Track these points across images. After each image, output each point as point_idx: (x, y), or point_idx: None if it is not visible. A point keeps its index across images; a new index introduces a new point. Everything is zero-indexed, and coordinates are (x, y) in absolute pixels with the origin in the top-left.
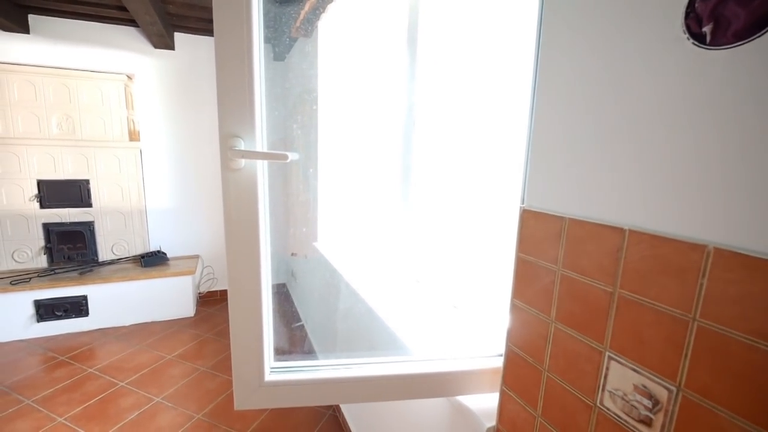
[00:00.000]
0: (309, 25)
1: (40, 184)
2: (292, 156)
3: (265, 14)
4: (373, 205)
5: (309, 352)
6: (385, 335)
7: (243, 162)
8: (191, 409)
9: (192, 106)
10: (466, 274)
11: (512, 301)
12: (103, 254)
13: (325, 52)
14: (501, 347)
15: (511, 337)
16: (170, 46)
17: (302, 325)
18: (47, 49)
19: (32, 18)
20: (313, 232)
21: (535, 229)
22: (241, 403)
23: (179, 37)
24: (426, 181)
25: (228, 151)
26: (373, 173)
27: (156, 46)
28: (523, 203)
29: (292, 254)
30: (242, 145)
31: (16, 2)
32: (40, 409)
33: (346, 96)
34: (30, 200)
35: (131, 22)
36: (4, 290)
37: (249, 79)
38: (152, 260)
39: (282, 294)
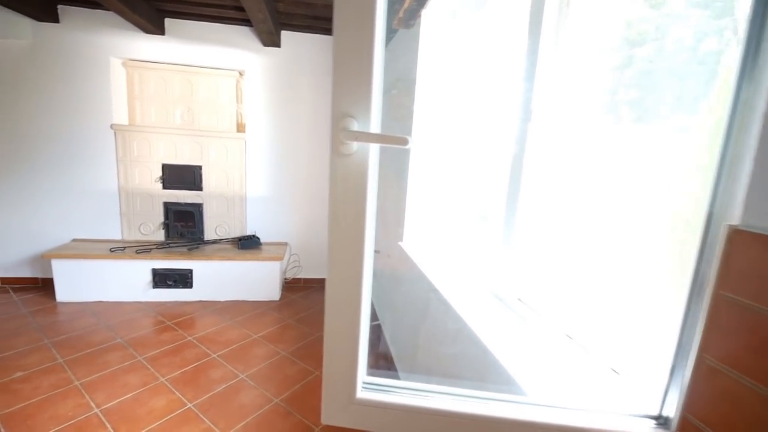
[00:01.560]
0: (411, 16)
1: (164, 167)
2: (411, 141)
3: None
4: (471, 208)
5: (384, 354)
6: (484, 361)
7: (354, 146)
8: (270, 392)
9: (291, 101)
10: (585, 298)
11: (699, 355)
12: (208, 234)
13: (427, 43)
14: (654, 407)
15: (691, 404)
16: (277, 43)
17: (379, 325)
18: (177, 48)
19: (168, 21)
20: (399, 230)
21: (757, 260)
22: (328, 417)
23: (285, 35)
24: (540, 183)
25: (340, 133)
26: (473, 173)
27: (265, 44)
28: (729, 220)
29: (376, 251)
30: (355, 126)
31: (157, 8)
32: (148, 366)
33: (448, 90)
34: (155, 181)
35: (245, 21)
36: (132, 257)
37: (368, 47)
38: (248, 243)
39: None
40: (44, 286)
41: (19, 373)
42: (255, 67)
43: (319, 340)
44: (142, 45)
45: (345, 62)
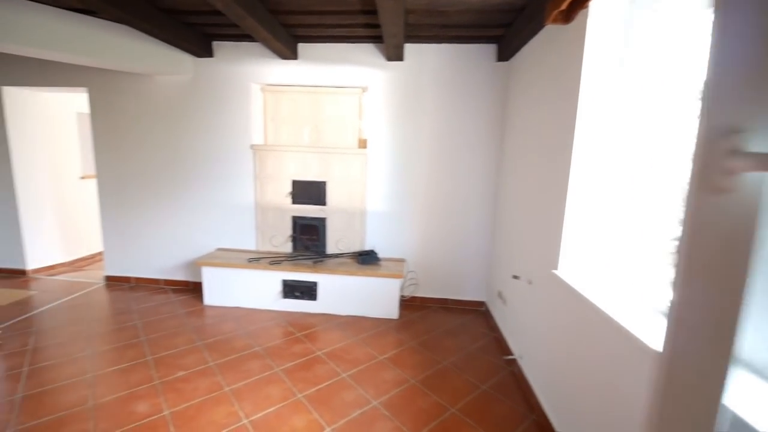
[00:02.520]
0: (573, 9)
1: (293, 183)
2: None
3: None
4: (667, 230)
5: (525, 393)
6: None
7: (745, 178)
8: (407, 426)
9: (413, 115)
10: None
11: None
12: (330, 247)
13: (598, 41)
14: None
15: None
16: (401, 57)
17: (514, 359)
18: (307, 70)
19: (301, 46)
20: (550, 256)
21: None
22: None
23: (409, 48)
24: None
25: (722, 157)
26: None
27: (389, 59)
28: None
29: (515, 276)
30: (755, 147)
31: (293, 34)
32: (285, 379)
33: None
34: (285, 196)
35: (372, 39)
36: (266, 268)
37: None
38: (367, 258)
39: (477, 313)
40: (194, 289)
41: (181, 373)
42: (378, 82)
43: (448, 371)
44: (278, 70)
45: (737, 48)
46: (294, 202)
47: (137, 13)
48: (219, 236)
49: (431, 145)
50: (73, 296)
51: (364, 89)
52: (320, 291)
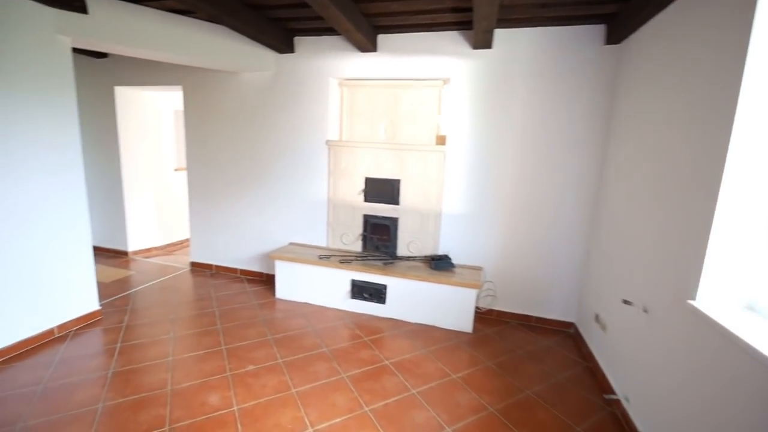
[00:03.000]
0: None
1: (367, 181)
2: None
3: None
4: None
5: None
6: None
7: None
8: None
9: (499, 108)
10: None
11: None
12: (401, 249)
13: None
14: None
15: None
16: (489, 43)
17: (618, 400)
18: (386, 63)
19: (381, 37)
20: (683, 281)
21: None
22: None
23: (499, 33)
24: None
25: None
26: None
27: (476, 47)
28: None
29: (625, 302)
30: None
31: (374, 24)
32: (351, 388)
33: None
34: (358, 194)
35: (456, 25)
36: (335, 266)
37: None
38: (440, 264)
39: (564, 335)
40: (267, 280)
41: (251, 367)
42: (461, 73)
43: (533, 402)
44: (356, 64)
45: None
46: (366, 200)
47: (228, 10)
48: (292, 230)
49: (518, 141)
50: (163, 279)
51: (446, 81)
52: (389, 294)
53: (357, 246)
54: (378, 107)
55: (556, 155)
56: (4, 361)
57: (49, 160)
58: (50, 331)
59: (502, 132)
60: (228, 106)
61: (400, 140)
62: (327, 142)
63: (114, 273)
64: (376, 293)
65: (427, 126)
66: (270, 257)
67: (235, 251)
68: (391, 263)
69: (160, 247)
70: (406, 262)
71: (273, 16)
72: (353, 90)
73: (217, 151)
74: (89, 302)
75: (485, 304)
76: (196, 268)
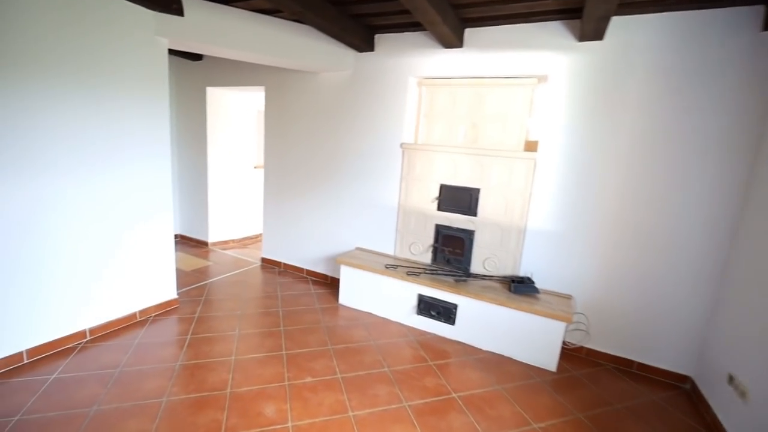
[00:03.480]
0: None
1: (442, 188)
2: None
3: None
4: None
5: None
6: None
7: None
8: None
9: (606, 110)
10: None
11: None
12: (475, 266)
13: None
14: None
15: None
16: (600, 34)
17: None
18: (472, 59)
19: (468, 32)
20: None
21: None
22: None
23: (615, 21)
24: None
25: None
26: None
27: (583, 38)
28: None
29: None
30: None
31: (461, 17)
32: (414, 421)
33: None
34: (431, 201)
35: (560, 13)
36: (402, 278)
37: None
38: (522, 288)
39: (677, 391)
40: (331, 283)
41: (309, 379)
42: (560, 69)
43: None
44: (438, 61)
45: None
46: (440, 209)
47: (313, 6)
48: (360, 235)
49: (628, 150)
50: (235, 272)
51: (541, 79)
52: (460, 315)
53: (426, 258)
54: (459, 108)
55: (680, 170)
56: (93, 339)
57: (142, 151)
58: (133, 315)
59: (607, 138)
60: (305, 106)
61: (482, 145)
62: (401, 144)
63: (194, 262)
64: (445, 312)
65: (514, 130)
66: (336, 261)
67: (303, 251)
68: (464, 281)
69: (236, 240)
70: (481, 281)
71: (356, 12)
72: (433, 90)
73: (292, 151)
74: (168, 291)
75: (574, 340)
76: (266, 264)
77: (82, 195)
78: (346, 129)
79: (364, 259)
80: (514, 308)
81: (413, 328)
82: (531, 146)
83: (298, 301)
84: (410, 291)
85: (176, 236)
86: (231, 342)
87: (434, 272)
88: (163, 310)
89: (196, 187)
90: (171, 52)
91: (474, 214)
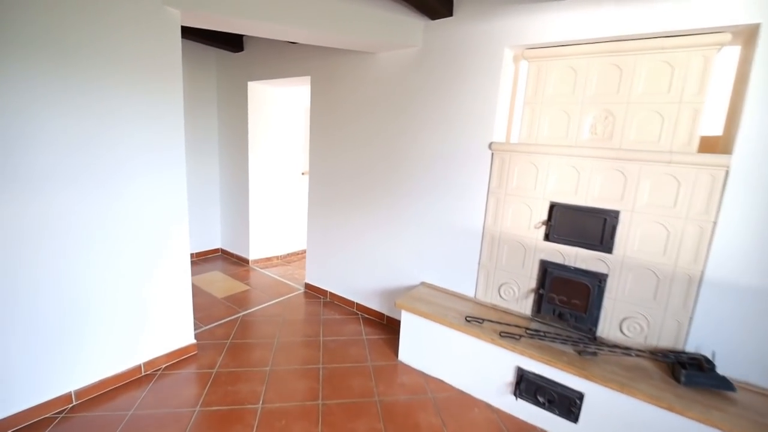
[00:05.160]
0: None
1: (553, 208)
2: None
3: None
4: None
5: None
6: None
7: None
8: None
9: None
10: None
11: None
12: (606, 328)
13: None
14: None
15: None
16: None
17: None
18: (603, 14)
19: None
20: None
21: None
22: None
23: None
24: None
25: None
26: None
27: None
28: None
29: None
30: None
31: None
32: None
33: None
34: (536, 226)
35: None
36: (491, 340)
37: None
38: (700, 378)
39: None
40: (388, 325)
41: None
42: None
43: None
44: (550, 19)
45: None
46: (549, 239)
47: None
48: (427, 266)
49: None
50: (273, 302)
51: (737, 33)
52: (588, 409)
53: (524, 307)
54: (583, 90)
55: None
56: (81, 405)
57: (147, 161)
58: (136, 369)
59: None
60: (359, 98)
61: (622, 143)
62: (491, 145)
63: (229, 286)
64: (563, 402)
65: (681, 120)
66: (396, 305)
67: (353, 279)
68: (592, 353)
69: (281, 256)
70: (621, 356)
71: None
72: (540, 65)
73: (342, 154)
74: (183, 335)
75: None
76: (310, 291)
77: (63, 217)
78: (411, 126)
79: (433, 303)
80: (694, 419)
81: (509, 416)
82: (709, 145)
83: (345, 352)
84: (504, 360)
85: (217, 251)
86: (250, 419)
87: (542, 336)
88: (177, 359)
89: (236, 196)
90: (208, 40)
91: (608, 249)
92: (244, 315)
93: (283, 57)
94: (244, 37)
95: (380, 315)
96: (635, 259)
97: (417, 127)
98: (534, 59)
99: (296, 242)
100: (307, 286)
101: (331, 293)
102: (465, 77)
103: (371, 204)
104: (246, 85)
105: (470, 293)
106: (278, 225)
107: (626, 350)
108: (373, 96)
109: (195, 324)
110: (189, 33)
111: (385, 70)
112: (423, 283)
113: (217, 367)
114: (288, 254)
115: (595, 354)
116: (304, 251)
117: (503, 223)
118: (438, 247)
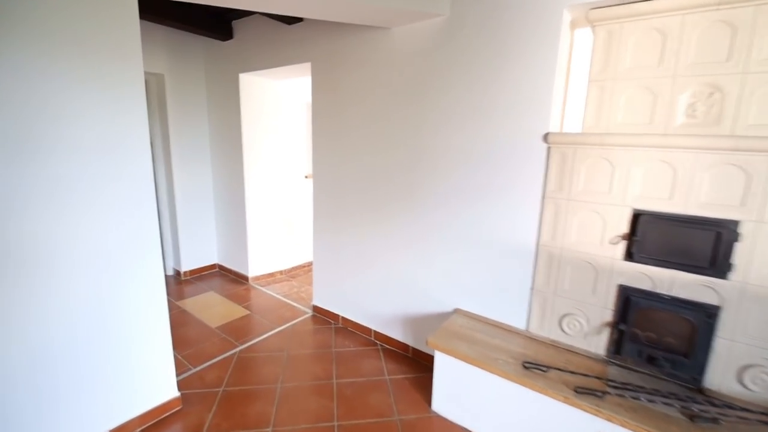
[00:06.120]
0: None
1: (637, 218)
2: None
3: None
4: None
5: None
6: None
7: None
8: None
9: None
10: None
11: None
12: (718, 377)
13: None
14: None
15: None
16: None
17: None
18: None
19: None
20: None
21: None
22: None
23: None
24: None
25: None
26: None
27: None
28: None
29: None
30: None
31: None
32: None
33: None
34: (611, 242)
35: None
36: (565, 399)
37: None
38: None
39: None
40: (414, 359)
41: None
42: None
43: None
44: None
45: None
46: (633, 258)
47: None
48: (461, 289)
49: None
50: (276, 331)
51: None
52: None
53: (596, 344)
54: (675, 58)
55: None
56: None
57: (102, 170)
58: None
59: None
60: (369, 86)
61: (737, 128)
62: (546, 137)
63: (225, 311)
64: None
65: None
66: (428, 343)
67: (370, 303)
68: (711, 419)
69: (284, 271)
70: (755, 425)
71: None
72: (612, 29)
73: (350, 156)
74: (164, 388)
75: None
76: (319, 315)
77: None
78: (435, 117)
79: (475, 341)
80: None
81: None
82: None
83: (365, 400)
84: (584, 426)
85: (214, 267)
86: None
87: (634, 391)
88: (155, 419)
89: (232, 205)
90: (193, 26)
91: (721, 273)
92: (241, 350)
93: (278, 42)
94: (233, 23)
95: (404, 346)
96: (763, 288)
97: (442, 119)
98: (602, 23)
99: (301, 254)
100: (316, 309)
101: (343, 318)
102: (508, 52)
103: (389, 212)
104: (238, 78)
105: (520, 325)
106: (280, 236)
107: (746, 412)
108: (388, 82)
109: (182, 365)
110: (172, 19)
111: (401, 50)
112: (457, 311)
113: (206, 428)
114: (293, 268)
115: (715, 421)
116: (310, 263)
117: (565, 237)
118: (476, 268)
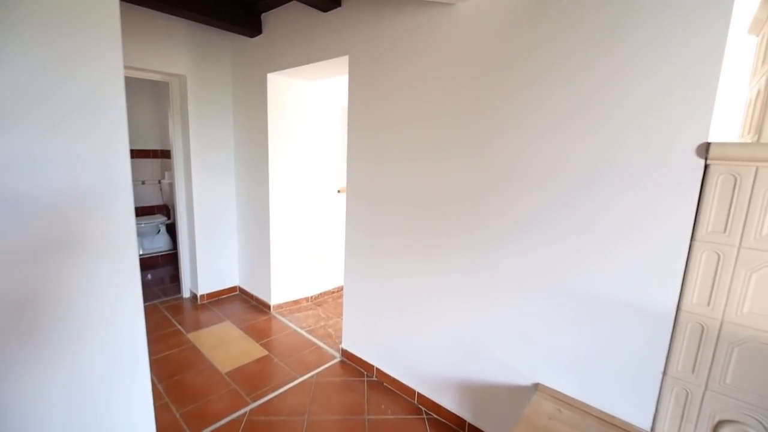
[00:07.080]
0: None
1: None
2: None
3: None
4: None
5: None
6: None
7: None
8: None
9: None
10: None
11: None
12: None
13: None
14: None
15: None
16: None
17: None
18: None
19: None
20: None
21: None
22: None
23: None
24: None
25: None
26: None
27: None
28: None
29: None
30: None
31: None
32: None
33: None
34: None
35: None
36: None
37: None
38: None
39: None
40: None
41: None
42: None
43: None
44: None
45: None
46: None
47: None
48: (544, 357)
49: None
50: (299, 381)
51: None
52: None
53: None
54: None
55: None
56: None
57: (63, 179)
58: None
59: None
60: (421, 79)
61: None
62: (704, 149)
63: (241, 351)
64: None
65: None
66: None
67: (413, 357)
68: None
69: (311, 297)
70: None
71: None
72: None
73: (393, 168)
74: None
75: None
76: (349, 363)
77: None
78: (517, 121)
79: None
80: None
81: None
82: None
83: None
84: None
85: (235, 289)
86: None
87: None
88: None
89: (255, 222)
90: (221, 21)
91: None
92: (252, 410)
93: (312, 34)
94: (262, 15)
95: (458, 420)
96: None
97: (526, 123)
98: None
99: (330, 278)
100: (345, 353)
101: (378, 370)
102: (641, 23)
103: (443, 248)
104: (265, 79)
105: (642, 423)
106: (307, 257)
107: None
108: (447, 74)
109: (179, 429)
110: (196, 12)
111: (470, 31)
112: (539, 388)
113: None
114: (320, 294)
115: None
116: (340, 288)
117: (732, 304)
118: (569, 332)
